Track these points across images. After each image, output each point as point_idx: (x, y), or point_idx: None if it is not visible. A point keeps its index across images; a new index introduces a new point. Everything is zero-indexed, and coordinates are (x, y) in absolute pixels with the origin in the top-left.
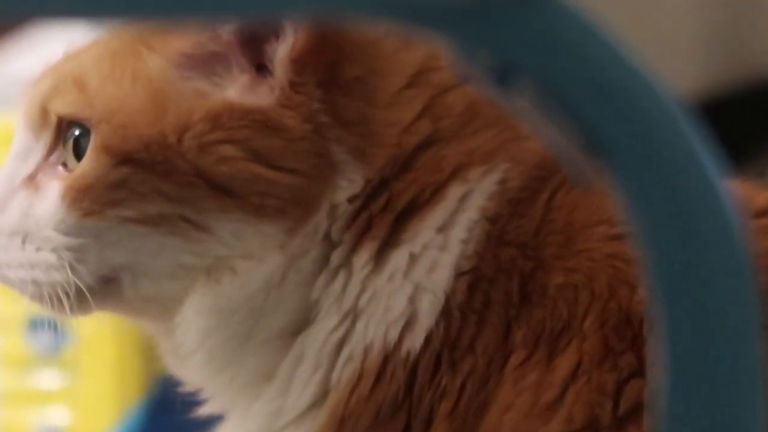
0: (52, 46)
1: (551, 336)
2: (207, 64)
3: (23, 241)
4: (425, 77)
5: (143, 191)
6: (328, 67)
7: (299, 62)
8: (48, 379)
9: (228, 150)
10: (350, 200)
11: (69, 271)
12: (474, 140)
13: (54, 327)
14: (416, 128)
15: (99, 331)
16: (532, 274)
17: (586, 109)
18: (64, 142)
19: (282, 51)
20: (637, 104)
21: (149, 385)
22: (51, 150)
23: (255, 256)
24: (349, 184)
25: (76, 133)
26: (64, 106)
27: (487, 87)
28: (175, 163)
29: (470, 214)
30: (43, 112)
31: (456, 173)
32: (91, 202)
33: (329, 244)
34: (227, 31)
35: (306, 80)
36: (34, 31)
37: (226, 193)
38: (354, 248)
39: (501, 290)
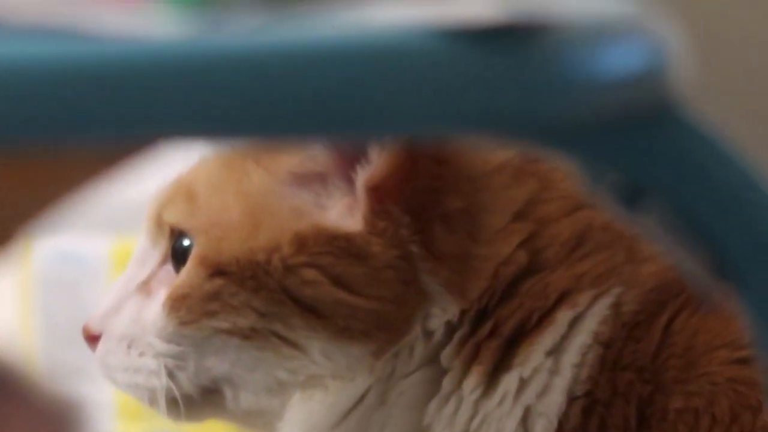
0: (169, 169)
1: None
2: (311, 184)
3: (129, 346)
4: (530, 212)
5: (235, 304)
6: (419, 194)
7: (378, 189)
8: None
9: (311, 274)
10: (447, 328)
11: (167, 378)
12: (582, 265)
13: None
14: (513, 259)
15: None
16: (651, 398)
17: (715, 229)
18: (174, 252)
19: (362, 176)
20: (764, 219)
21: None
22: (165, 258)
23: (345, 376)
24: (442, 313)
25: (185, 243)
26: (173, 215)
27: (613, 206)
28: (263, 280)
29: (582, 338)
30: (159, 220)
31: (564, 298)
32: (187, 312)
33: (437, 369)
34: (325, 152)
35: (389, 208)
36: (155, 155)
37: (313, 313)
38: (464, 374)
39: (618, 414)
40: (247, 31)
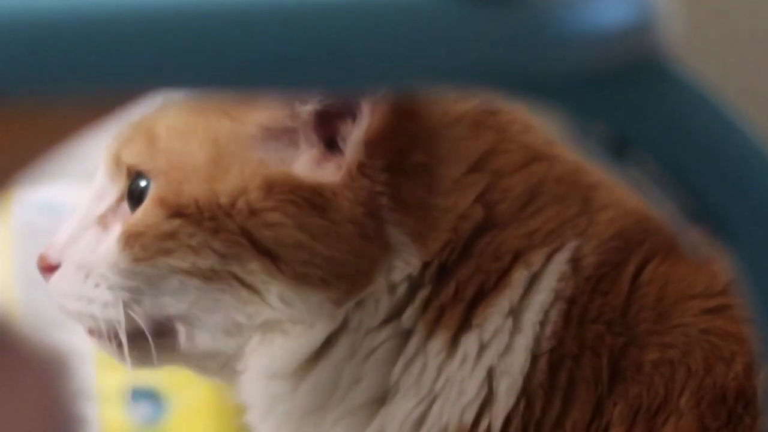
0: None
1: (649, 412)
2: (279, 138)
3: (86, 276)
4: (485, 164)
5: (193, 245)
6: (397, 151)
7: (372, 145)
8: None
9: (275, 216)
10: (410, 283)
11: (123, 310)
12: (534, 222)
13: (153, 398)
14: (470, 213)
15: (198, 402)
16: (624, 351)
17: (701, 179)
18: (130, 192)
19: (357, 132)
20: (751, 172)
21: None
22: (122, 195)
23: (305, 321)
24: (405, 265)
25: (142, 184)
26: (132, 156)
27: (600, 158)
28: (223, 222)
29: (542, 297)
30: (117, 159)
31: (518, 257)
32: (141, 249)
33: (402, 329)
34: (305, 109)
35: (374, 163)
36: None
37: (271, 257)
38: (428, 336)
39: (588, 367)
40: None
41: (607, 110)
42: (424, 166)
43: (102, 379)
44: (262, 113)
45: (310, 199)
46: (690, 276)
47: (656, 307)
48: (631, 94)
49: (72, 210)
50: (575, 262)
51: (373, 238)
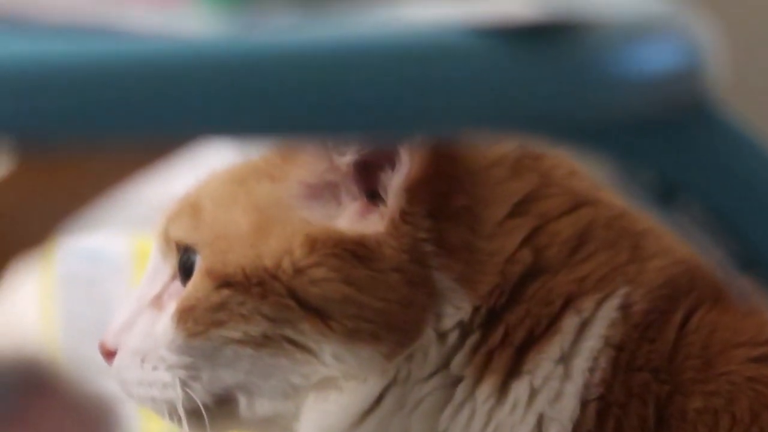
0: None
1: None
2: (321, 193)
3: (142, 360)
4: (529, 206)
5: (244, 313)
6: (438, 195)
7: (413, 191)
8: None
9: (320, 272)
10: (461, 330)
11: (181, 389)
12: (585, 267)
13: None
14: (518, 257)
15: None
16: (670, 399)
17: (749, 226)
18: (181, 266)
19: (397, 179)
20: None
21: None
22: (175, 272)
23: (358, 377)
24: (455, 312)
25: (191, 257)
26: (178, 230)
27: (647, 204)
28: (270, 285)
29: (591, 343)
30: (166, 236)
31: (569, 304)
32: (194, 323)
33: (451, 377)
34: (344, 160)
35: (417, 209)
36: (191, 153)
37: (320, 316)
38: (477, 382)
39: (635, 416)
40: (283, 30)
41: (654, 156)
42: (466, 209)
43: (146, 427)
44: (302, 170)
45: (354, 251)
46: (737, 324)
47: (702, 355)
48: (678, 140)
49: (115, 259)
50: (625, 309)
51: (419, 285)
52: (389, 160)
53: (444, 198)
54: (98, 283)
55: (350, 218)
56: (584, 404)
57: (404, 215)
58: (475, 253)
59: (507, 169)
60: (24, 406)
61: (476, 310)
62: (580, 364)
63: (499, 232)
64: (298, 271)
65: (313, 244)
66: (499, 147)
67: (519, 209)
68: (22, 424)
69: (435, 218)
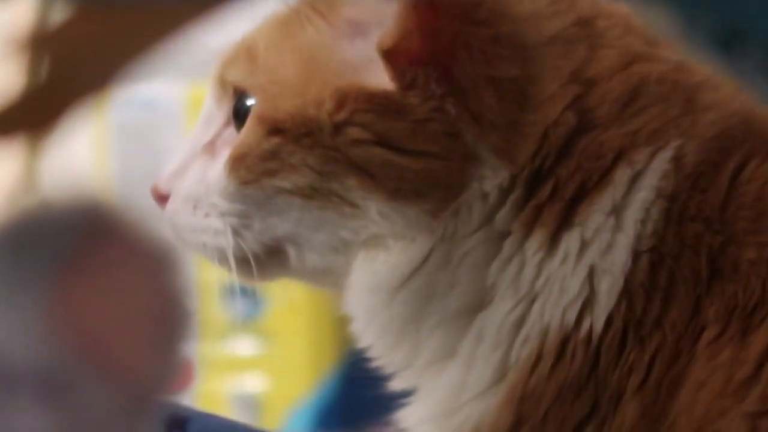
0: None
1: (744, 312)
2: (369, 34)
3: (195, 207)
4: (578, 76)
5: (293, 163)
6: (446, 52)
7: (392, 52)
8: (244, 346)
9: (356, 132)
10: (500, 190)
11: (232, 237)
12: (637, 121)
13: (251, 294)
14: (562, 120)
15: (294, 300)
16: (722, 249)
17: None
18: (236, 112)
19: (379, 40)
20: None
21: (344, 354)
22: (229, 118)
23: (406, 236)
24: (494, 175)
25: (247, 103)
26: (236, 75)
27: (708, 52)
28: (317, 137)
29: (644, 194)
30: (222, 81)
31: (621, 157)
32: (247, 171)
33: (496, 232)
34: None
35: (406, 68)
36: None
37: (365, 173)
38: (525, 236)
39: (687, 266)
40: None
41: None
42: (513, 82)
43: (201, 275)
44: (349, 7)
45: (385, 105)
46: None
47: (755, 206)
48: None
49: (170, 107)
50: (677, 160)
51: (457, 137)
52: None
53: (468, 55)
54: (153, 131)
55: (380, 71)
56: (636, 256)
57: (398, 72)
58: (516, 127)
59: (561, 46)
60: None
61: (515, 175)
62: (632, 215)
63: (544, 104)
64: (335, 127)
65: (342, 98)
66: (553, 22)
67: (567, 81)
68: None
69: (449, 75)
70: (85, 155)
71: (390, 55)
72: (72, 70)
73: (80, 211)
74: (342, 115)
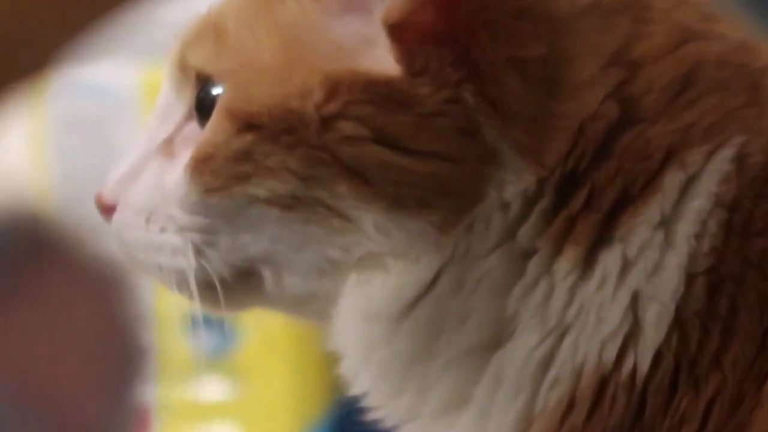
0: None
1: None
2: (362, 11)
3: (147, 220)
4: (620, 56)
5: (270, 166)
6: (464, 30)
7: (399, 28)
8: (211, 389)
9: (349, 127)
10: (525, 198)
11: (194, 257)
12: (691, 114)
13: (218, 326)
14: (601, 113)
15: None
16: None
17: None
18: (200, 103)
19: (377, 10)
20: None
21: (332, 401)
22: (191, 111)
23: (409, 255)
24: (517, 180)
25: (213, 92)
26: (198, 57)
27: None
28: (300, 134)
29: (699, 203)
30: (183, 64)
31: (671, 157)
32: (212, 176)
33: (518, 249)
34: None
35: (416, 48)
36: None
37: (360, 178)
38: (554, 254)
39: (752, 291)
40: None
41: None
42: (541, 62)
43: (159, 303)
44: None
45: (387, 95)
46: None
47: None
48: None
49: (120, 95)
50: (740, 160)
51: (473, 135)
52: None
53: (488, 34)
54: (100, 124)
55: (381, 54)
56: (690, 279)
57: (406, 52)
58: (546, 119)
59: (600, 16)
60: (21, 272)
61: (543, 180)
62: (685, 229)
63: (581, 91)
64: (324, 122)
65: (334, 86)
66: None
67: (610, 62)
68: (19, 292)
69: (466, 57)
70: (19, 154)
71: (397, 32)
72: (0, 51)
73: (15, 228)
74: (332, 107)
